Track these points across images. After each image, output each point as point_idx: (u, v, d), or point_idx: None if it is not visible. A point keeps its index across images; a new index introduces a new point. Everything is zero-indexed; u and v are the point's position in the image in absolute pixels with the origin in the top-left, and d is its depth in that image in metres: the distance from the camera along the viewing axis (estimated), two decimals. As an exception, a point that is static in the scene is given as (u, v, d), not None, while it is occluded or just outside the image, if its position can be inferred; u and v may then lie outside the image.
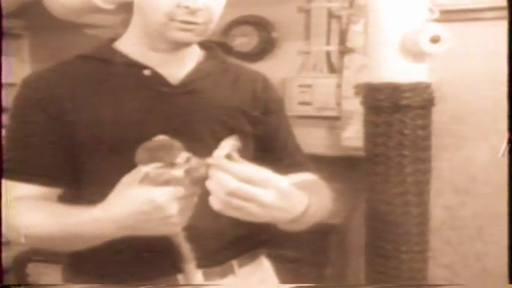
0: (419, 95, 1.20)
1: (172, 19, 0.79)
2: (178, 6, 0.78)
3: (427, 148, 1.25)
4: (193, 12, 0.79)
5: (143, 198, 0.70)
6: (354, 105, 1.86)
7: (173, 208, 0.70)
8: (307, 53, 1.96)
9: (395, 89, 1.19)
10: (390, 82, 1.20)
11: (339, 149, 1.95)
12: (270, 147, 0.95)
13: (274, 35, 1.99)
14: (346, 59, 1.89)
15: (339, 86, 1.90)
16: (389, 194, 1.23)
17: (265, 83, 0.97)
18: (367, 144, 1.29)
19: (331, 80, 1.91)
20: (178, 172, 0.71)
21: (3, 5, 1.85)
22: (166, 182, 0.70)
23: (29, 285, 1.50)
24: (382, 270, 1.28)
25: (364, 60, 1.80)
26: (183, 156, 0.71)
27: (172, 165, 0.71)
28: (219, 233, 0.85)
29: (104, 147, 0.81)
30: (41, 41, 2.11)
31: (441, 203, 1.78)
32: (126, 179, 0.72)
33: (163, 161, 0.71)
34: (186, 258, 0.78)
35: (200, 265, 0.81)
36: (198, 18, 0.80)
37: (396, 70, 1.21)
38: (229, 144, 0.73)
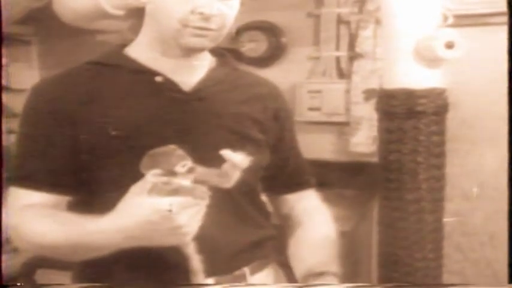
0: (433, 101, 1.20)
1: (186, 25, 0.79)
2: (192, 12, 0.78)
3: (441, 154, 1.24)
4: (207, 18, 0.78)
5: (151, 208, 0.70)
6: (363, 111, 1.86)
7: (182, 218, 0.70)
8: (317, 58, 1.96)
9: (409, 95, 1.19)
10: (404, 88, 1.20)
11: (347, 154, 1.95)
12: (283, 160, 0.95)
13: (283, 40, 1.98)
14: (355, 64, 1.88)
15: (348, 91, 1.89)
16: (403, 200, 1.22)
17: (276, 91, 0.97)
18: (380, 151, 1.28)
19: (341, 86, 1.91)
20: (186, 182, 0.70)
21: (12, 11, 1.86)
22: (175, 192, 0.70)
23: (29, 284, 1.50)
24: (395, 278, 1.27)
25: (374, 66, 1.81)
26: (186, 165, 0.71)
27: (173, 173, 0.70)
28: (230, 241, 0.85)
29: (114, 155, 0.80)
30: (50, 47, 2.11)
31: (451, 209, 1.77)
32: (135, 188, 0.72)
33: (167, 169, 0.70)
34: (195, 269, 0.77)
35: (212, 273, 0.80)
36: (212, 25, 0.79)
37: (410, 76, 1.20)
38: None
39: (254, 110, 0.90)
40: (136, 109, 0.82)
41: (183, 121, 0.83)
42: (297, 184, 0.99)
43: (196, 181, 0.72)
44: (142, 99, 0.83)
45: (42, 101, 0.83)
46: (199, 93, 0.85)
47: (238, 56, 1.88)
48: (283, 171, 0.96)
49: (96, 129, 0.80)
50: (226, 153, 0.74)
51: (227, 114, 0.87)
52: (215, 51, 0.91)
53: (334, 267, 0.88)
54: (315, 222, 0.95)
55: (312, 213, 0.96)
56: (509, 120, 1.03)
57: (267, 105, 0.93)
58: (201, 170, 0.73)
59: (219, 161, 0.75)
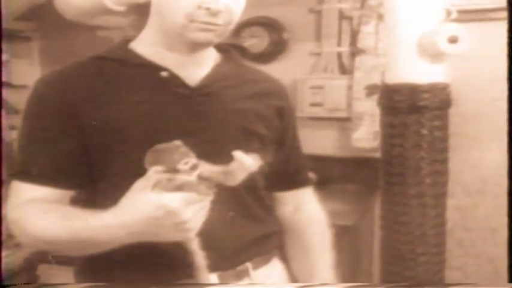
0: (437, 95, 1.20)
1: (192, 20, 0.78)
2: (199, 7, 0.77)
3: (444, 149, 1.24)
4: (214, 13, 0.78)
5: (155, 204, 0.69)
6: (365, 107, 1.86)
7: (186, 214, 0.70)
8: (318, 54, 1.96)
9: (413, 90, 1.19)
10: (408, 83, 1.19)
11: (349, 150, 1.95)
12: (284, 157, 0.95)
13: (285, 36, 1.98)
14: (357, 60, 1.88)
15: (350, 87, 1.89)
16: (406, 195, 1.22)
17: (281, 89, 0.97)
18: (383, 145, 1.28)
19: (343, 81, 1.91)
20: (191, 177, 0.70)
21: (14, 7, 1.86)
22: (180, 188, 0.70)
23: (28, 284, 1.50)
24: (397, 272, 1.27)
25: (376, 61, 1.81)
26: (189, 162, 0.70)
27: (175, 170, 0.70)
28: (233, 237, 0.85)
29: (119, 149, 0.80)
30: (51, 43, 2.11)
31: (453, 205, 1.77)
32: (139, 183, 0.71)
33: (170, 166, 0.70)
34: (198, 265, 0.76)
35: (215, 269, 0.80)
36: (219, 20, 0.79)
37: (414, 71, 1.20)
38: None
39: (259, 106, 0.90)
40: (141, 104, 0.81)
41: (188, 116, 0.82)
42: (296, 182, 1.00)
43: (201, 178, 0.72)
44: (147, 94, 0.82)
45: (46, 95, 0.82)
46: (205, 89, 0.85)
47: (243, 51, 1.88)
48: (284, 169, 0.96)
49: (100, 124, 0.80)
50: (237, 154, 0.74)
51: (232, 109, 0.86)
52: (220, 47, 0.90)
53: (331, 278, 0.93)
54: (313, 239, 0.98)
55: (309, 223, 0.98)
56: (509, 116, 1.02)
57: (271, 101, 0.92)
58: (206, 167, 0.73)
59: (224, 157, 0.74)
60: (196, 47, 0.83)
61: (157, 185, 0.70)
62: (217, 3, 0.77)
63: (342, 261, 0.96)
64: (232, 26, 0.82)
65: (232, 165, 0.73)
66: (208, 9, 0.77)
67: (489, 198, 1.79)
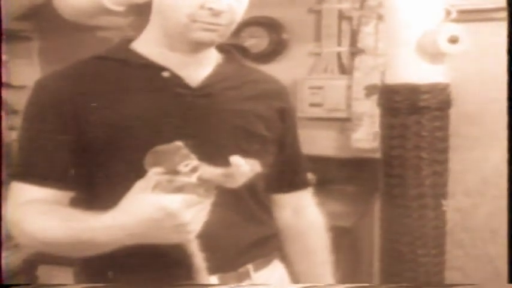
0: (436, 96, 1.19)
1: (194, 20, 0.77)
2: (201, 7, 0.77)
3: (445, 150, 1.24)
4: (217, 14, 0.77)
5: (155, 206, 0.69)
6: (364, 107, 1.86)
7: (186, 216, 0.69)
8: (318, 54, 1.96)
9: (413, 90, 1.18)
10: (408, 83, 1.19)
11: (349, 150, 1.95)
12: (284, 159, 0.95)
13: (284, 36, 1.98)
14: (357, 60, 1.88)
15: (349, 87, 1.89)
16: (406, 196, 1.22)
17: (283, 90, 0.96)
18: (383, 146, 1.28)
19: (342, 82, 1.90)
20: (191, 179, 0.70)
21: (13, 7, 1.86)
22: (180, 189, 0.70)
23: (28, 285, 1.50)
24: (398, 273, 1.27)
25: (375, 61, 1.80)
26: (190, 164, 0.70)
27: (175, 172, 0.70)
28: (234, 238, 0.84)
29: (119, 150, 0.80)
30: (50, 43, 2.11)
31: (453, 205, 1.77)
32: (139, 185, 0.71)
33: (170, 167, 0.70)
34: (198, 267, 0.76)
35: (216, 270, 0.80)
36: (221, 20, 0.78)
37: (414, 71, 1.20)
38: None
39: (260, 107, 0.89)
40: (142, 104, 0.81)
41: (190, 117, 0.82)
42: (295, 184, 1.00)
43: (201, 179, 0.71)
44: (148, 94, 0.82)
45: (45, 96, 0.82)
46: (206, 89, 0.84)
47: (244, 52, 1.88)
48: (283, 171, 0.96)
49: (100, 125, 0.79)
50: (234, 160, 0.73)
51: (233, 110, 0.86)
52: (222, 48, 0.90)
53: (331, 280, 0.95)
54: (313, 243, 0.99)
55: (309, 226, 0.99)
56: (509, 116, 1.02)
57: (273, 102, 0.92)
58: (206, 169, 0.72)
59: (225, 159, 0.74)
60: (198, 47, 0.82)
61: (157, 187, 0.70)
62: (219, 3, 0.77)
63: (342, 262, 0.96)
64: (234, 26, 0.82)
65: (233, 168, 0.73)
66: (210, 9, 0.76)
67: (489, 199, 1.79)
